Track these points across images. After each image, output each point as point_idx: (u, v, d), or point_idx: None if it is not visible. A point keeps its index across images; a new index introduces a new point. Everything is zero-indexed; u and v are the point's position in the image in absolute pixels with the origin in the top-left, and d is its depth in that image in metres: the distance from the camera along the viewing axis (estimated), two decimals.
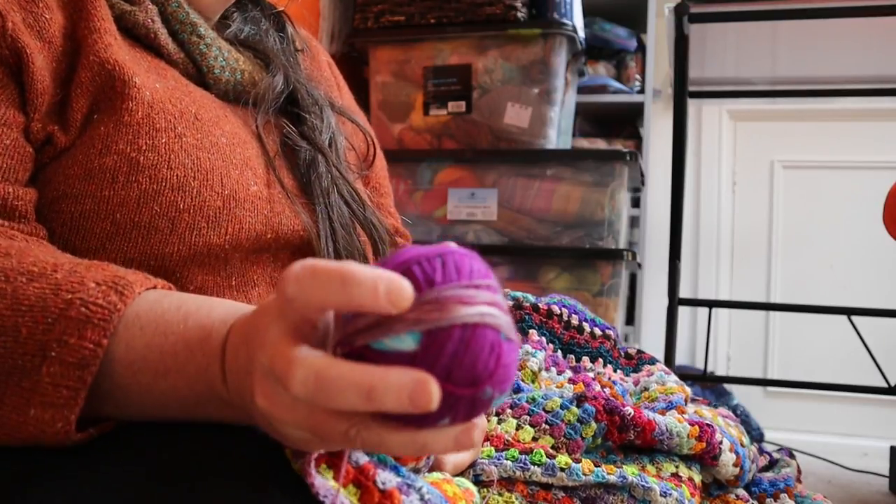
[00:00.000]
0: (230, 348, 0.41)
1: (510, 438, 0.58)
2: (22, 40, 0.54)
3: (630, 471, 0.56)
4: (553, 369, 0.74)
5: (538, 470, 0.54)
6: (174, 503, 0.39)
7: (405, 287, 0.32)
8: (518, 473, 0.54)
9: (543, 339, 0.76)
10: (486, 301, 0.34)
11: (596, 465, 0.56)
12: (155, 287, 0.46)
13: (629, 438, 0.60)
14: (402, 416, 0.34)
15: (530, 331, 0.76)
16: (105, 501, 0.40)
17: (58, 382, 0.41)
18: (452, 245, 0.36)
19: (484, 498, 0.53)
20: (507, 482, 0.54)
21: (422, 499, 0.44)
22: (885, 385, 1.59)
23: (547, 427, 0.58)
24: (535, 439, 0.58)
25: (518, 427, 0.59)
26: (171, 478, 0.41)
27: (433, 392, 0.31)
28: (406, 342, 0.33)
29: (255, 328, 0.38)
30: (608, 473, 0.55)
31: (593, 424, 0.58)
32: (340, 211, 0.70)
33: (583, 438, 0.58)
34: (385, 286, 0.31)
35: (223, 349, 0.41)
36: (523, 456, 0.55)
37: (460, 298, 0.34)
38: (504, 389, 0.35)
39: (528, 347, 0.73)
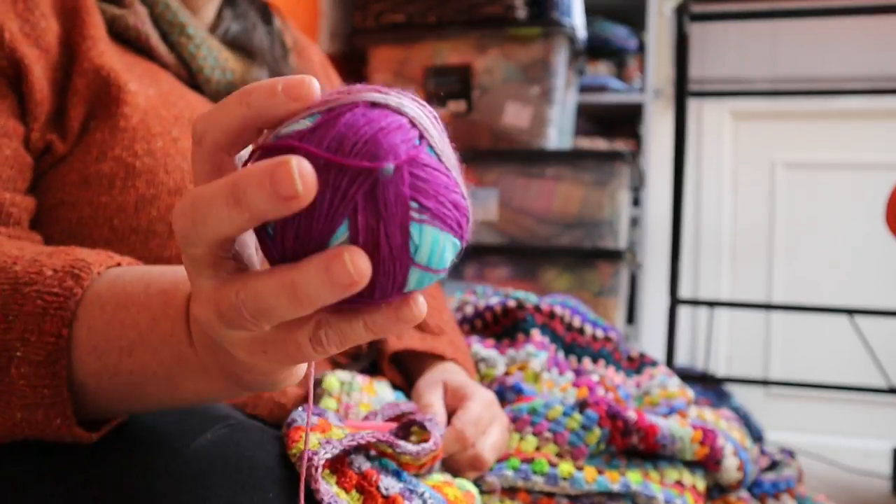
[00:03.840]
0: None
1: (511, 452, 0.57)
2: (20, 50, 0.53)
3: (633, 478, 0.56)
4: (555, 370, 0.73)
5: (540, 480, 0.53)
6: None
7: (304, 78, 0.28)
8: (520, 483, 0.53)
9: (546, 339, 0.76)
10: (414, 104, 0.29)
11: (599, 473, 0.55)
12: (119, 265, 0.43)
13: (632, 443, 0.59)
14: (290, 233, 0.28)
15: (533, 331, 0.75)
16: (106, 502, 0.40)
17: (34, 383, 0.40)
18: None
19: None
20: (510, 490, 0.54)
21: (424, 502, 0.43)
22: (886, 386, 1.58)
23: (550, 435, 0.58)
24: (537, 448, 0.57)
25: (520, 439, 0.58)
26: (172, 479, 0.40)
27: (293, 167, 0.25)
28: (303, 123, 0.28)
29: None
30: (611, 482, 0.54)
31: (597, 430, 0.58)
32: None
33: (587, 445, 0.57)
34: (283, 83, 0.28)
35: (187, 308, 0.39)
36: (525, 465, 0.55)
37: (377, 89, 0.29)
38: (438, 213, 0.28)
39: (531, 348, 0.73)
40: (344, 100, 0.28)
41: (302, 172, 0.26)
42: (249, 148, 0.31)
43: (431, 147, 0.29)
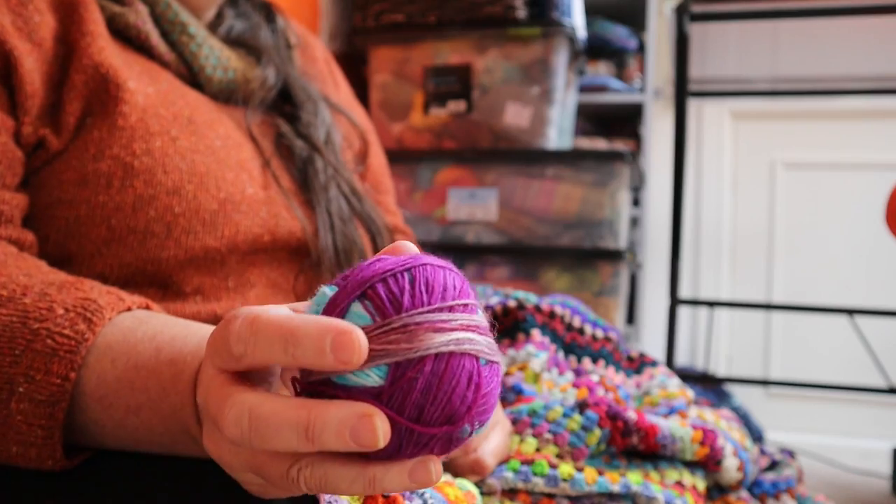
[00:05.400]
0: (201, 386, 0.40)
1: (511, 454, 0.57)
2: (10, 42, 0.53)
3: (634, 479, 0.56)
4: (555, 370, 0.73)
5: (541, 481, 0.53)
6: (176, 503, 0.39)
7: (355, 342, 0.28)
8: (521, 485, 0.53)
9: (547, 339, 0.75)
10: (461, 325, 0.30)
11: (600, 474, 0.55)
12: (129, 308, 0.44)
13: (632, 444, 0.59)
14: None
15: (533, 331, 0.75)
16: (106, 496, 0.40)
17: (31, 421, 0.40)
18: (424, 257, 0.32)
19: None
20: (510, 492, 0.54)
21: (425, 503, 0.43)
22: (886, 386, 1.58)
23: (550, 437, 0.58)
24: (538, 450, 0.57)
25: (520, 441, 0.58)
26: (169, 476, 0.40)
27: (378, 428, 0.28)
28: (371, 377, 0.29)
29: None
30: (612, 483, 0.54)
31: (597, 431, 0.58)
32: (339, 206, 0.69)
33: (587, 446, 0.57)
34: (331, 343, 0.28)
35: (195, 385, 0.39)
36: (525, 467, 0.54)
37: (432, 325, 0.29)
38: (484, 420, 0.31)
39: (530, 348, 0.72)
40: (410, 354, 0.29)
41: (384, 431, 0.28)
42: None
43: (490, 362, 0.31)
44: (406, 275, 0.31)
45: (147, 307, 0.46)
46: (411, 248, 0.34)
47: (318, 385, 0.30)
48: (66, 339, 0.40)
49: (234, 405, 0.30)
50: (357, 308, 0.30)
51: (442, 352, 0.29)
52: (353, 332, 0.28)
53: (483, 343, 0.31)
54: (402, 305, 0.30)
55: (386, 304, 0.30)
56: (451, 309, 0.30)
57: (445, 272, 0.32)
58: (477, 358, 0.30)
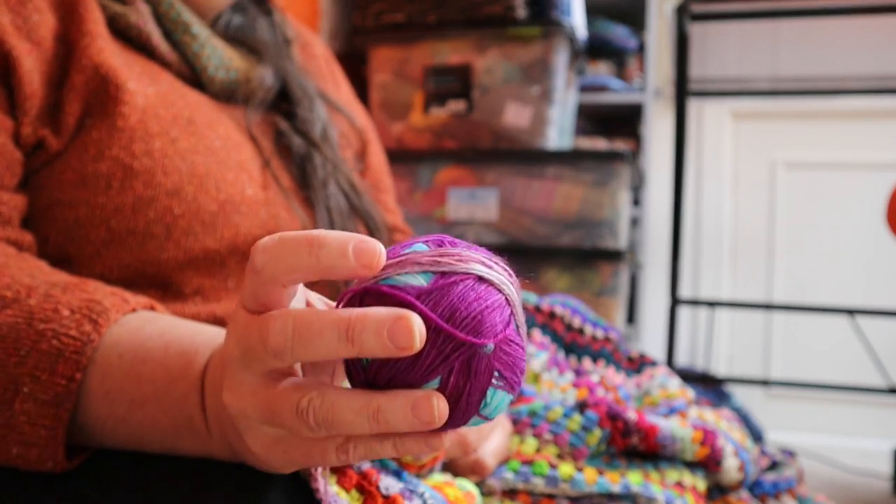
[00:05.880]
0: (210, 374, 0.40)
1: (511, 454, 0.57)
2: (9, 42, 0.53)
3: (634, 479, 0.56)
4: (555, 370, 0.73)
5: (541, 482, 0.53)
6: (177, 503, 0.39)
7: (376, 247, 0.30)
8: (521, 485, 0.53)
9: (547, 339, 0.75)
10: (508, 278, 0.33)
11: (600, 474, 0.55)
12: (134, 310, 0.44)
13: (633, 444, 0.59)
14: (387, 370, 0.31)
15: (533, 330, 0.75)
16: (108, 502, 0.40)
17: (34, 421, 0.40)
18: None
19: None
20: (510, 492, 0.54)
21: (424, 503, 0.43)
22: (886, 386, 1.58)
23: (550, 437, 0.58)
24: (538, 450, 0.57)
25: (520, 441, 0.58)
26: (171, 477, 0.40)
27: (415, 327, 0.29)
28: (417, 279, 0.31)
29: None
30: (612, 483, 0.54)
31: (597, 431, 0.58)
32: (338, 202, 0.69)
33: (587, 446, 0.57)
34: (354, 246, 0.30)
35: (203, 376, 0.40)
36: (525, 467, 0.54)
37: (482, 261, 0.33)
38: (506, 380, 0.32)
39: (531, 348, 0.72)
40: (456, 267, 0.32)
41: (420, 331, 0.29)
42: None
43: (517, 324, 0.33)
44: (451, 239, 0.34)
45: (152, 308, 0.46)
46: None
47: (366, 289, 0.32)
48: (72, 339, 0.40)
49: (279, 317, 0.31)
50: (419, 245, 0.33)
51: (487, 277, 0.32)
52: (374, 241, 0.30)
53: (519, 305, 0.33)
54: (458, 246, 0.33)
55: (445, 243, 0.33)
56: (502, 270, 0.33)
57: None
58: (512, 310, 0.32)
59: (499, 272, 0.33)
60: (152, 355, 0.41)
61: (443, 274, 0.31)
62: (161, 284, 0.58)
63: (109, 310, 0.42)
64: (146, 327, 0.43)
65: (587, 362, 0.76)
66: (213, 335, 0.42)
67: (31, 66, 0.54)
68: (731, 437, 0.66)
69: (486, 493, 0.54)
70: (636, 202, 2.01)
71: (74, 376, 0.40)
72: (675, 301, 1.66)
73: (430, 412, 0.30)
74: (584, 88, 2.03)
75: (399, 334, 0.29)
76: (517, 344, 0.33)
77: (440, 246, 0.33)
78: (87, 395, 0.41)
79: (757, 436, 1.82)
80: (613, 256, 1.53)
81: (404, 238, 0.86)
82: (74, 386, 0.40)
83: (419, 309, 0.30)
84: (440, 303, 0.31)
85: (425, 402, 0.30)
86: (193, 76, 0.65)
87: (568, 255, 1.56)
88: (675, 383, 0.75)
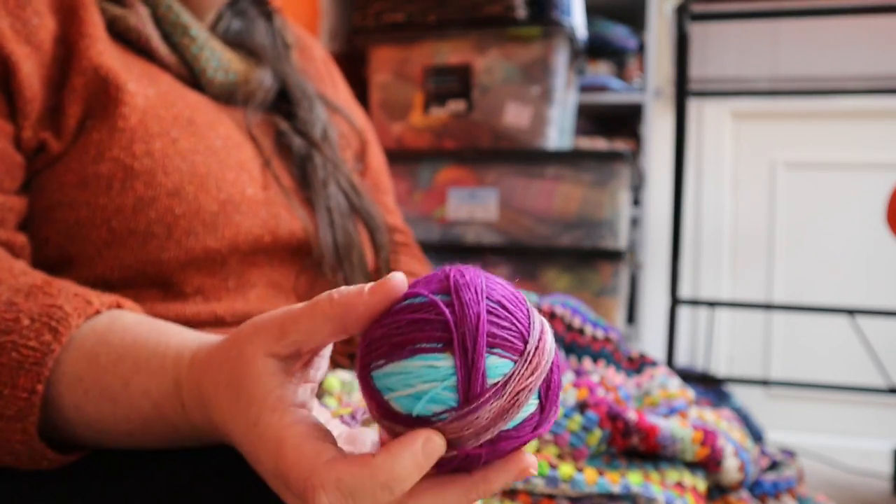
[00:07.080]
0: (190, 368, 0.39)
1: None
2: (8, 47, 0.53)
3: (634, 479, 0.56)
4: None
5: (541, 482, 0.53)
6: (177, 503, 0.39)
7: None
8: (520, 486, 0.53)
9: None
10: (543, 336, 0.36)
11: (600, 474, 0.55)
12: (98, 311, 0.44)
13: (633, 444, 0.59)
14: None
15: None
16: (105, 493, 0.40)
17: (7, 437, 0.40)
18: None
19: None
20: (510, 492, 0.54)
21: None
22: (886, 386, 1.58)
23: (550, 437, 0.57)
24: (538, 450, 0.57)
25: None
26: (172, 475, 0.40)
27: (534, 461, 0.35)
28: (531, 407, 0.35)
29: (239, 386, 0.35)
30: (612, 483, 0.54)
31: (597, 432, 0.58)
32: (338, 202, 0.69)
33: (587, 446, 0.57)
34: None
35: (179, 357, 0.40)
36: None
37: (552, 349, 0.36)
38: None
39: None
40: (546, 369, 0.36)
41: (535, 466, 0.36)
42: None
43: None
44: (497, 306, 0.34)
45: (118, 306, 0.46)
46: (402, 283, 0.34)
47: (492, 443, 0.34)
48: (32, 351, 0.40)
49: (324, 487, 0.30)
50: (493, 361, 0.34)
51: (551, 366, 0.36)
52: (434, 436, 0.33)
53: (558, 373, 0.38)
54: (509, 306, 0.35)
55: (460, 286, 0.34)
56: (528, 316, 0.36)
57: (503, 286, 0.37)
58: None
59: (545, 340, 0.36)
60: (121, 351, 0.41)
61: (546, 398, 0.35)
62: (162, 284, 0.58)
63: (70, 315, 0.42)
64: (114, 325, 0.43)
65: (587, 362, 0.76)
66: (182, 330, 0.43)
67: (31, 70, 0.54)
68: (731, 437, 0.66)
69: None
70: (636, 202, 2.01)
71: (36, 388, 0.39)
72: (675, 301, 1.66)
73: (528, 471, 0.35)
74: (584, 88, 2.03)
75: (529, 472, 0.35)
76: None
77: (456, 281, 0.34)
78: (59, 398, 0.40)
79: (757, 436, 1.82)
80: (613, 256, 1.53)
81: (404, 238, 0.86)
82: (37, 399, 0.39)
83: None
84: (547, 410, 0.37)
85: (524, 470, 0.35)
86: (193, 78, 0.65)
87: (568, 255, 1.56)
88: (675, 383, 0.75)
